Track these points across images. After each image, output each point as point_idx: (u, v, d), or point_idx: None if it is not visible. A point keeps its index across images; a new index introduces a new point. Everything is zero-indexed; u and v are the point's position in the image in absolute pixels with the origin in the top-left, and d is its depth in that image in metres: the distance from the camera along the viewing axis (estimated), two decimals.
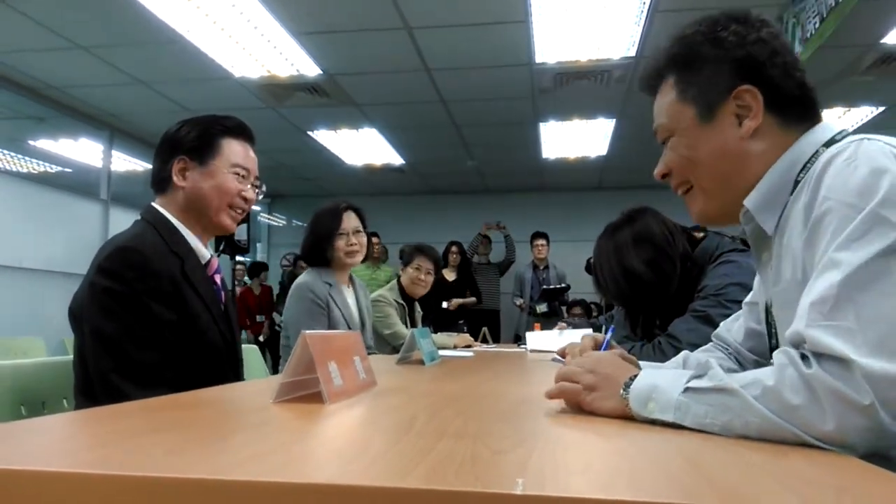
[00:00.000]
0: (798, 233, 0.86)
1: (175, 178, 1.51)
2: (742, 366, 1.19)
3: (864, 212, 0.75)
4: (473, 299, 6.50)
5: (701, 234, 1.95)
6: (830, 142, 0.90)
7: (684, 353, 1.27)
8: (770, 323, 1.04)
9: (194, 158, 1.51)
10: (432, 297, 4.64)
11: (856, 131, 0.90)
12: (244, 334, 7.37)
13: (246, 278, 7.79)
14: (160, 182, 1.54)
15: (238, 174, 1.55)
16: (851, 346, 0.70)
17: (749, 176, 0.96)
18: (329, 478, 0.52)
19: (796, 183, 0.91)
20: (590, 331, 2.93)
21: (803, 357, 0.73)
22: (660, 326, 1.93)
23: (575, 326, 3.19)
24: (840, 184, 0.80)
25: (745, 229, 0.99)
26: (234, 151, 1.55)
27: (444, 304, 6.22)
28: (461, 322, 5.75)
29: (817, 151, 0.90)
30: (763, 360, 1.13)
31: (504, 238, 7.56)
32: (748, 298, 1.21)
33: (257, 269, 7.84)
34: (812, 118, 0.96)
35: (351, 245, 2.58)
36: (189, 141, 1.52)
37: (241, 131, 1.58)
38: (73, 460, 0.60)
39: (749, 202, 0.95)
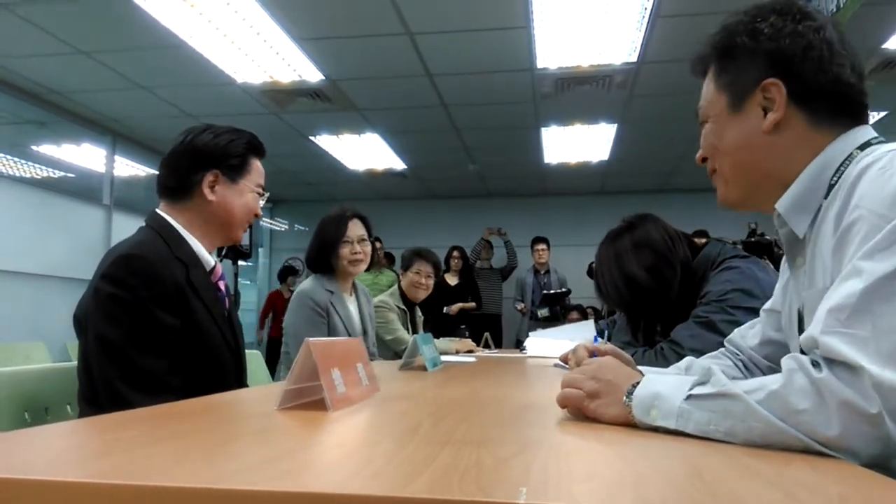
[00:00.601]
0: (829, 239, 0.85)
1: (205, 190, 1.52)
2: (751, 373, 1.18)
3: (894, 222, 0.74)
4: (473, 304, 6.51)
5: (703, 241, 1.95)
6: (865, 145, 0.89)
7: (688, 358, 1.26)
8: (802, 328, 1.03)
9: (227, 174, 1.55)
10: (434, 302, 4.64)
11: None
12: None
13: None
14: (177, 190, 1.54)
15: (259, 194, 1.62)
16: (864, 355, 0.69)
17: (769, 169, 0.96)
18: (333, 486, 0.52)
19: (830, 187, 0.89)
20: (590, 332, 2.93)
21: (814, 363, 0.73)
22: (661, 332, 1.93)
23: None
24: (872, 193, 0.79)
25: (780, 233, 0.99)
26: (259, 172, 1.63)
27: (445, 309, 6.23)
28: (463, 327, 5.76)
29: (851, 154, 0.89)
30: (779, 368, 1.13)
31: (504, 244, 7.58)
32: (767, 306, 1.19)
33: (286, 273, 7.89)
34: (853, 116, 0.94)
35: (355, 254, 2.55)
36: (226, 156, 1.55)
37: (260, 149, 1.64)
38: (79, 469, 0.60)
39: (781, 206, 0.95)
